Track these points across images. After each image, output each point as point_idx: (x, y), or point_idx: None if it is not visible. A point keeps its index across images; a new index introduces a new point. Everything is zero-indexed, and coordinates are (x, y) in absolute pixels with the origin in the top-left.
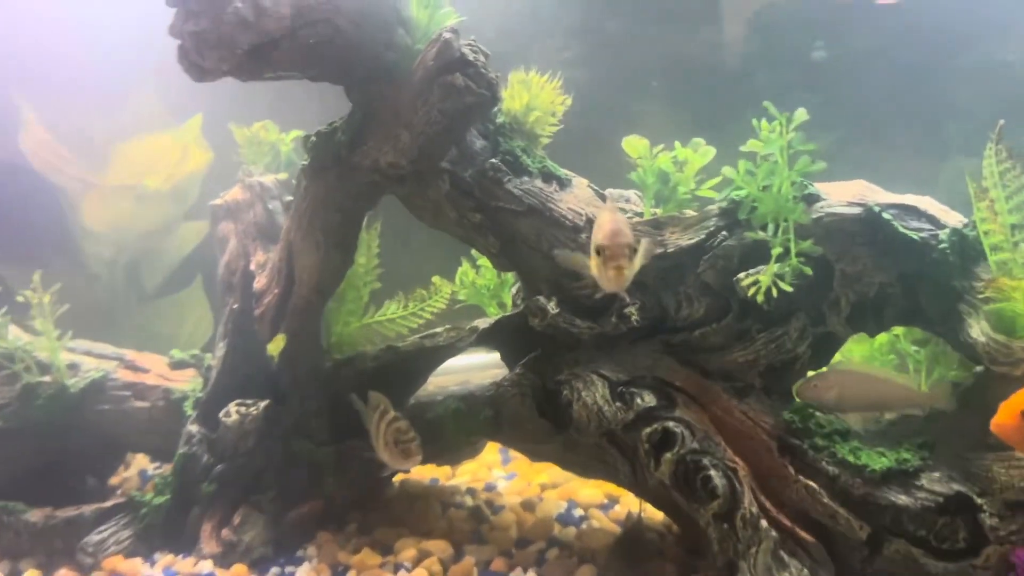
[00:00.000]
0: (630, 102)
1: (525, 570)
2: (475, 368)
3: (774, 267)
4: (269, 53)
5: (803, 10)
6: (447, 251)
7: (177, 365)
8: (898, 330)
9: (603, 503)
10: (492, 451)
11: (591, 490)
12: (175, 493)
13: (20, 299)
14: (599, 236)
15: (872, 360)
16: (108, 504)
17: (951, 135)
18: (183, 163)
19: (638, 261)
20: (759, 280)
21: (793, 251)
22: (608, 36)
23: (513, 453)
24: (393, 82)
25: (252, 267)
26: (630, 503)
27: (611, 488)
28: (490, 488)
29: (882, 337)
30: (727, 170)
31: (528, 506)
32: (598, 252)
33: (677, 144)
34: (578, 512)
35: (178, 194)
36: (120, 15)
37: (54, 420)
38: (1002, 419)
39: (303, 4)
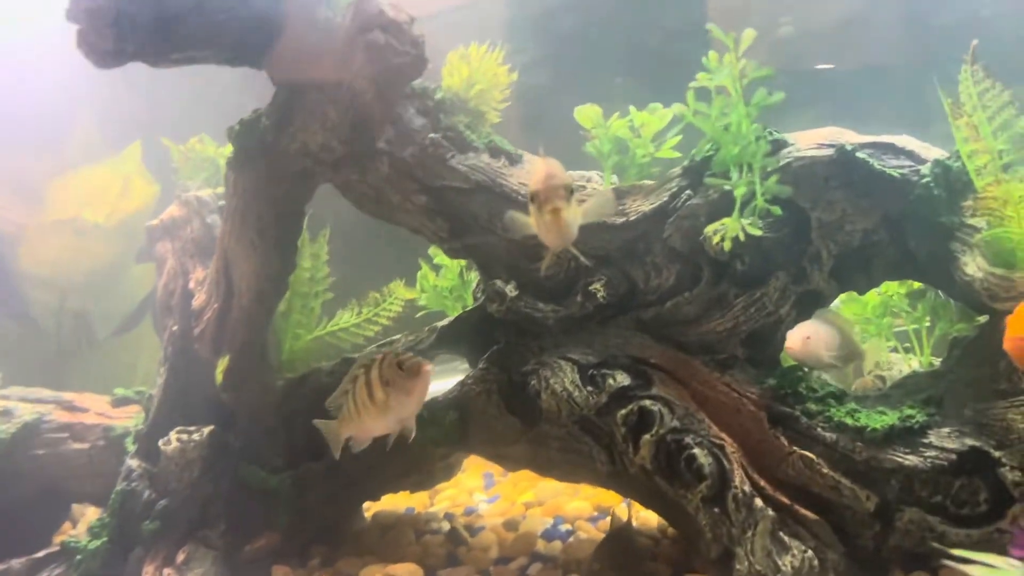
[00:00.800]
0: (592, 97)
1: None
2: None
3: (738, 214)
4: (174, 29)
5: None
6: (406, 259)
7: (120, 402)
8: (891, 290)
9: (592, 515)
10: (475, 475)
11: (579, 503)
12: (113, 535)
13: None
14: (531, 183)
15: (863, 322)
16: (40, 554)
17: (933, 100)
18: (126, 196)
19: (584, 210)
20: (726, 227)
21: (759, 192)
22: (562, 33)
23: (498, 476)
24: (317, 54)
25: (191, 285)
26: (622, 514)
27: (600, 498)
28: (470, 512)
29: (874, 298)
30: (676, 107)
31: (511, 525)
32: (532, 200)
33: (632, 109)
34: (565, 527)
35: (125, 231)
36: (48, 54)
37: None
38: (1014, 332)
39: None
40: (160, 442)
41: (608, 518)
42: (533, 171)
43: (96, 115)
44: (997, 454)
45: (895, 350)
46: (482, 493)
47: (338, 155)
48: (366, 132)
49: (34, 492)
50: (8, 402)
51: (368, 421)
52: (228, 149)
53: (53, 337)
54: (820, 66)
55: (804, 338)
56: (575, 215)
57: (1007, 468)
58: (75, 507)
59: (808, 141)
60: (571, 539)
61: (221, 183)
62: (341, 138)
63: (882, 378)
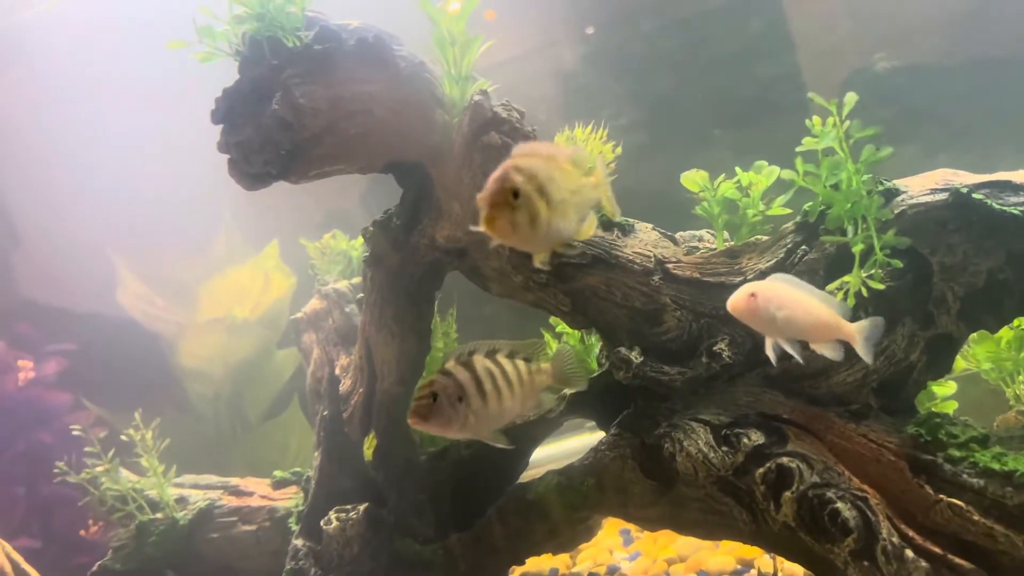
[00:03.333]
0: (694, 152)
1: None
2: None
3: (858, 269)
4: (312, 150)
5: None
6: (527, 326)
7: (279, 484)
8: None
9: (735, 569)
10: (612, 533)
11: (721, 557)
12: None
13: (124, 438)
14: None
15: (997, 360)
16: None
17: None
18: (267, 290)
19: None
20: (847, 283)
21: (877, 246)
22: (658, 94)
23: (635, 532)
24: (439, 160)
25: (337, 372)
26: (765, 567)
27: (742, 551)
28: (613, 571)
29: (1007, 333)
30: (785, 173)
31: None
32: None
33: (738, 170)
34: None
35: (268, 322)
36: (193, 162)
37: (168, 555)
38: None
39: (338, 97)
40: (321, 522)
41: (752, 571)
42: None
43: (237, 215)
44: None
45: None
46: (622, 551)
47: (463, 244)
48: None
49: (211, 573)
50: (183, 489)
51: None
52: (359, 242)
53: (211, 424)
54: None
55: (748, 295)
56: (542, 212)
57: None
58: None
59: (920, 186)
60: None
61: (355, 274)
62: (465, 229)
63: None
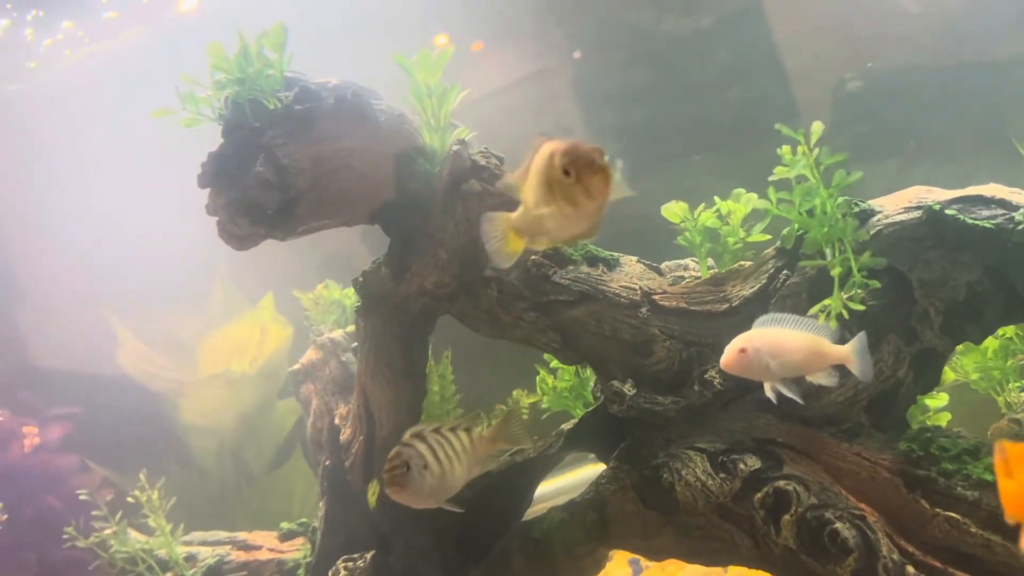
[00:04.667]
0: (676, 179)
1: None
2: None
3: (838, 292)
4: (297, 208)
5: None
6: (522, 362)
7: (286, 536)
8: (1008, 332)
9: None
10: (621, 563)
11: None
12: None
13: (130, 499)
14: (554, 154)
15: (985, 370)
16: None
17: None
18: (264, 343)
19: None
20: (828, 307)
21: (854, 268)
22: (637, 124)
23: (644, 562)
24: (422, 208)
25: (336, 421)
26: None
27: (750, 575)
28: None
29: (992, 343)
30: (758, 202)
31: None
32: (566, 172)
33: (717, 199)
34: None
35: (267, 374)
36: (183, 218)
37: None
38: None
39: (320, 155)
40: (330, 572)
41: None
42: (544, 150)
43: (232, 269)
44: None
45: None
46: None
47: (451, 289)
48: (474, 265)
49: None
50: (191, 547)
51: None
52: (351, 291)
53: (216, 479)
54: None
55: (738, 351)
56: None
57: None
58: None
59: (894, 205)
60: None
61: (349, 323)
62: (452, 274)
63: (1018, 421)
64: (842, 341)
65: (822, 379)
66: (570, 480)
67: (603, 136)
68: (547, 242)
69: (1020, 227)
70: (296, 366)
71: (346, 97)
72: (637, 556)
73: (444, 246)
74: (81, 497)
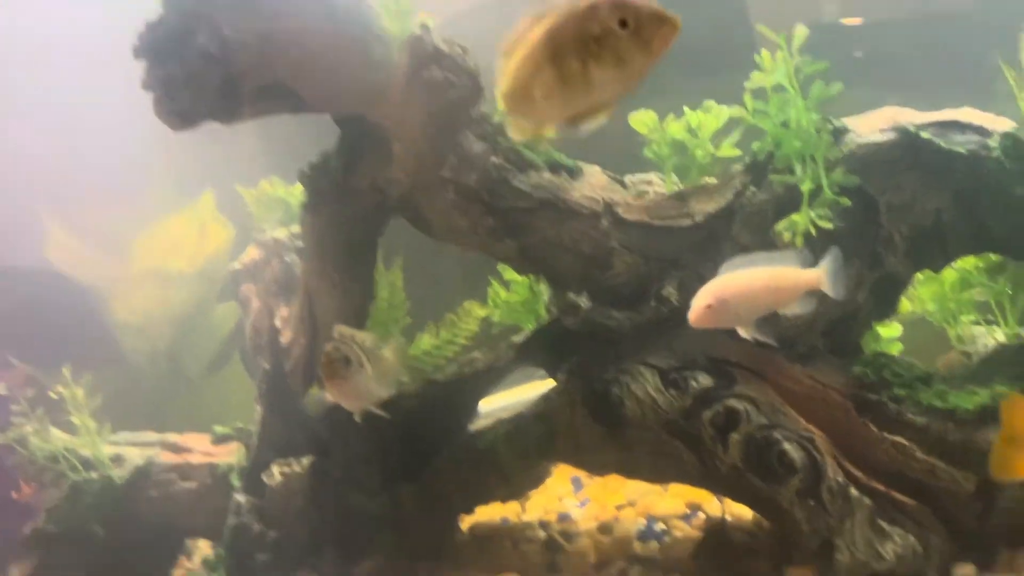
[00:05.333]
0: (648, 102)
1: None
2: None
3: (807, 209)
4: (241, 86)
5: None
6: (476, 274)
7: (220, 440)
8: (968, 264)
9: (684, 513)
10: (563, 480)
11: (670, 501)
12: (229, 568)
13: (53, 396)
14: (599, 6)
15: (942, 301)
16: None
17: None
18: (203, 242)
19: None
20: (795, 223)
21: (825, 184)
22: None
23: (586, 479)
24: (378, 98)
25: (277, 323)
26: (713, 509)
27: (691, 495)
28: (564, 518)
29: (951, 274)
30: (734, 110)
31: (605, 529)
32: (623, 24)
33: (687, 110)
34: (659, 526)
35: (206, 274)
36: (126, 110)
37: (103, 517)
38: None
39: (268, 30)
40: (264, 476)
41: (700, 515)
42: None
43: (169, 163)
44: None
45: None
46: (572, 498)
47: (405, 188)
48: (430, 163)
49: (151, 531)
50: (119, 448)
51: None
52: (298, 188)
53: (149, 380)
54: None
55: (705, 307)
56: None
57: None
58: (189, 542)
59: (868, 126)
60: (666, 539)
61: (294, 222)
62: (407, 171)
63: (967, 354)
64: (810, 265)
65: (797, 309)
66: (516, 397)
67: None
68: (547, 123)
69: (994, 154)
70: (237, 265)
71: None
72: (579, 473)
73: (400, 140)
74: None
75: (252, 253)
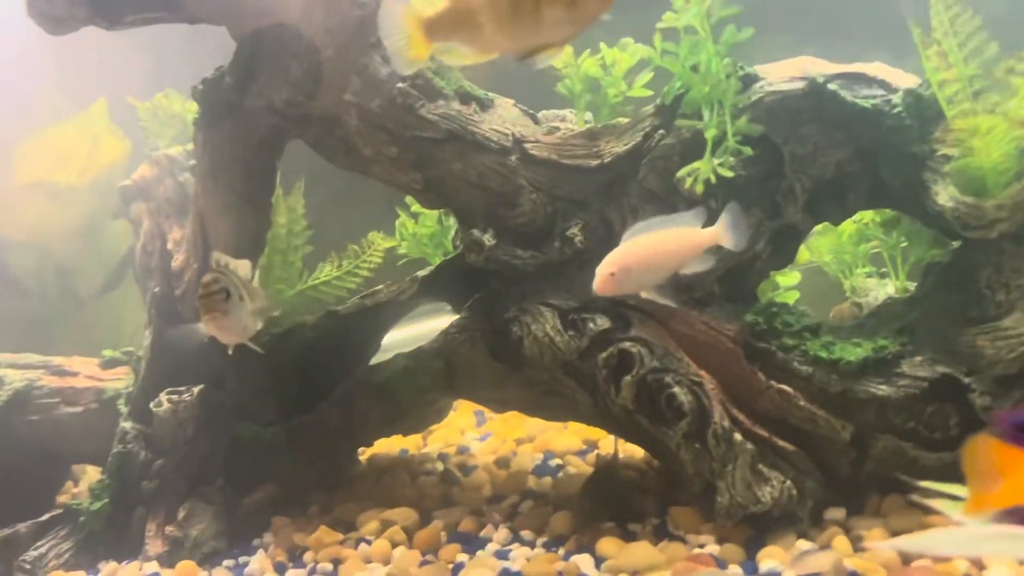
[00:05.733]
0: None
1: (496, 526)
2: None
3: (710, 156)
4: None
5: None
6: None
7: (109, 364)
8: (866, 217)
9: (581, 449)
10: (467, 414)
11: (568, 438)
12: (114, 495)
13: None
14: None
15: (838, 253)
16: (44, 517)
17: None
18: (96, 154)
19: None
20: (698, 170)
21: (730, 132)
22: None
23: (489, 414)
24: (276, 12)
25: (169, 246)
26: (608, 447)
27: (589, 433)
28: (463, 451)
29: (849, 227)
30: (644, 50)
31: (502, 463)
32: None
33: (603, 46)
34: (555, 462)
35: (99, 189)
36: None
37: None
38: None
39: None
40: (152, 404)
41: (596, 452)
42: None
43: (58, 74)
44: (967, 380)
45: (871, 275)
46: (474, 432)
47: (305, 110)
48: (332, 85)
49: (32, 457)
50: None
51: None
52: (195, 105)
53: (36, 299)
54: None
55: (608, 275)
56: None
57: (976, 394)
58: (75, 468)
59: (780, 74)
60: (561, 474)
61: (190, 140)
62: (307, 93)
63: (859, 305)
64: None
65: (697, 267)
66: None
67: None
68: (477, 51)
69: (896, 110)
70: (127, 182)
71: None
72: (484, 408)
73: (298, 58)
74: None
75: (144, 170)
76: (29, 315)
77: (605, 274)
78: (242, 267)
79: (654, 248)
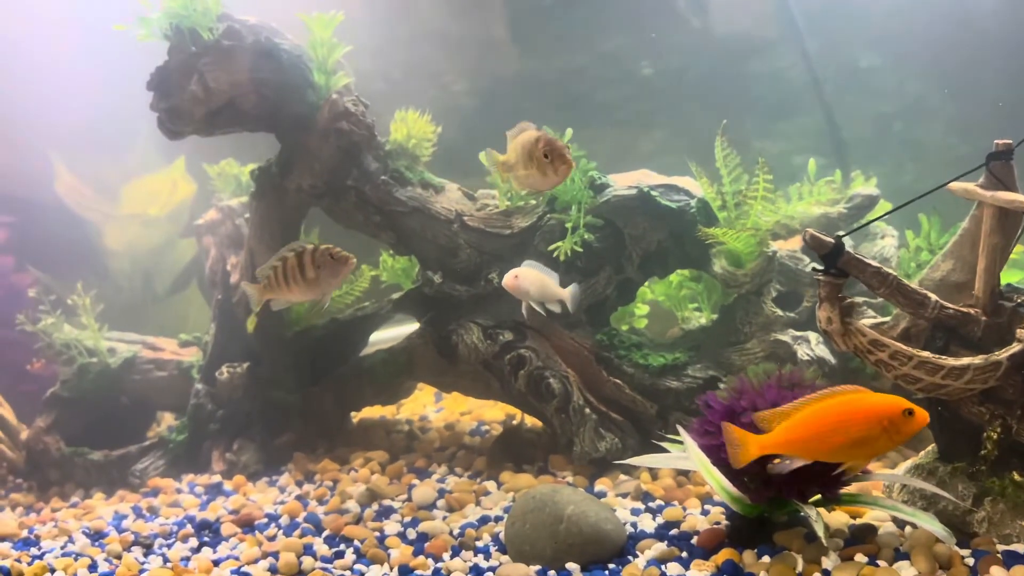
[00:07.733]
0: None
1: (440, 464)
2: None
3: (570, 237)
4: (217, 117)
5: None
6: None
7: (184, 344)
8: (683, 273)
9: (503, 419)
10: (428, 394)
11: (495, 412)
12: (191, 433)
13: (70, 302)
14: (540, 140)
15: (670, 296)
16: (147, 443)
17: (746, 127)
18: (174, 194)
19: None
20: (560, 247)
21: (581, 223)
22: (493, 74)
23: (445, 394)
24: (307, 128)
25: (229, 268)
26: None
27: (510, 409)
28: (423, 418)
29: (674, 278)
30: None
31: (449, 427)
32: (545, 156)
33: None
34: (485, 427)
35: (173, 218)
36: (122, 72)
37: (101, 390)
38: None
39: (236, 81)
40: (216, 373)
41: (515, 419)
42: (518, 141)
43: (151, 133)
44: (723, 378)
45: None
46: (432, 405)
47: (321, 191)
48: (340, 176)
49: (134, 405)
50: (111, 343)
51: (294, 291)
52: (247, 169)
53: (127, 293)
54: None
55: (513, 277)
56: None
57: (725, 386)
58: (160, 414)
59: (625, 182)
60: (487, 435)
61: (243, 194)
62: (323, 180)
63: (684, 329)
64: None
65: (553, 307)
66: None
67: (460, 78)
68: (518, 186)
69: (692, 210)
70: (200, 221)
71: (260, 40)
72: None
73: (319, 160)
74: (31, 294)
75: (211, 214)
76: (123, 306)
77: (512, 276)
78: None
79: (538, 279)
